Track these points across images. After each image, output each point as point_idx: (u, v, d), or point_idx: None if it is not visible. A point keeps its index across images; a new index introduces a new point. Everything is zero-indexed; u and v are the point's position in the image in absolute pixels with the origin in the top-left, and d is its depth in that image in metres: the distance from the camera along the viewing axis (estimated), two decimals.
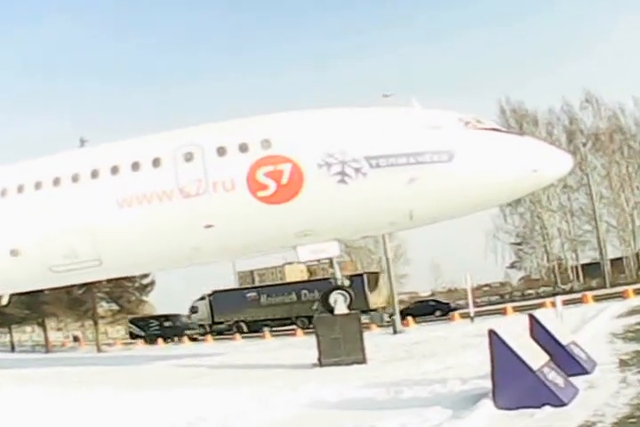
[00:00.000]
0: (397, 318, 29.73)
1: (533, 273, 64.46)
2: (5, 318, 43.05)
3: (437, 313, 44.61)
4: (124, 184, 16.69)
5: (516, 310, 32.17)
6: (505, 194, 17.21)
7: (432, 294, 67.39)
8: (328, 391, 9.85)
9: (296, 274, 52.50)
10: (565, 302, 23.52)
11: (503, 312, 32.27)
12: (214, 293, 50.53)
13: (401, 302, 41.74)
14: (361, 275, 43.69)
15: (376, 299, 43.15)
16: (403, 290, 59.18)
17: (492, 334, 7.32)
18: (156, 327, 48.73)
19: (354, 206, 16.02)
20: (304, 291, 45.08)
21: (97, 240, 16.74)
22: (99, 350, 41.46)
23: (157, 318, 50.86)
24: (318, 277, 46.71)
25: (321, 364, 15.74)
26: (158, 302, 55.10)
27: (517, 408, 7.03)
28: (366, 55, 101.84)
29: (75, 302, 41.75)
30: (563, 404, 7.06)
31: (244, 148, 16.21)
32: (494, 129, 16.98)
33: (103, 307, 45.71)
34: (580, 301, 31.41)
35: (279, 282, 50.71)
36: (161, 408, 9.73)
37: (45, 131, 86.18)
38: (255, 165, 16.01)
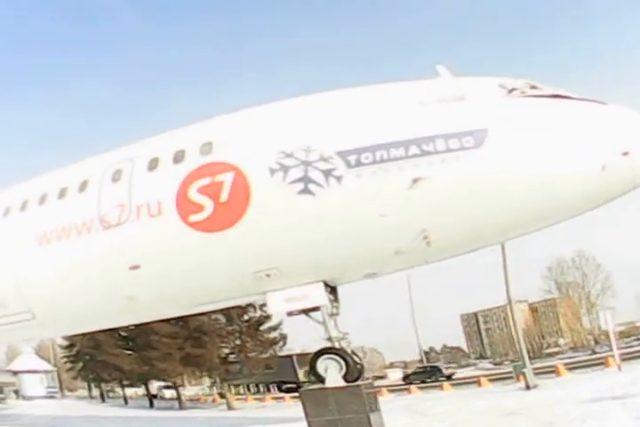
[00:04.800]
0: (529, 369, 22.88)
1: None
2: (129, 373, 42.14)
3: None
4: (45, 216, 12.90)
5: None
6: (578, 197, 10.37)
7: None
8: None
9: (518, 315, 46.09)
10: None
11: None
12: None
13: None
14: None
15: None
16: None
17: None
18: None
19: (328, 229, 10.64)
20: None
21: (20, 287, 13.03)
22: (229, 407, 38.83)
23: None
24: None
25: None
26: None
27: None
28: None
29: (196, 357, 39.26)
30: None
31: (179, 157, 11.60)
32: (557, 96, 10.45)
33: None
34: None
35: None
36: None
37: None
38: (188, 179, 11.25)
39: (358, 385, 11.24)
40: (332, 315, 11.83)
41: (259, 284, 11.50)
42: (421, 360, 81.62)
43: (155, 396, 51.51)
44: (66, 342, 50.00)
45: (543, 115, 10.19)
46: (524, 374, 22.72)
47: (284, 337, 40.71)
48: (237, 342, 40.35)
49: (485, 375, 35.19)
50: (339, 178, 10.23)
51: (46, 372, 56.34)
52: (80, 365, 49.41)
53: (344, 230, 10.59)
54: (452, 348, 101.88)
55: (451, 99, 10.37)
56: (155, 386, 53.81)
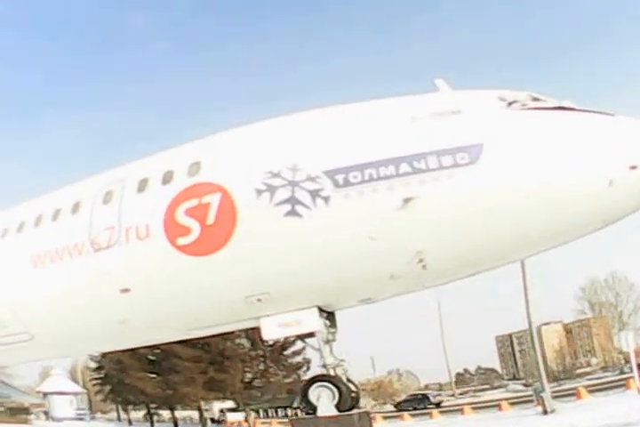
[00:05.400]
0: (547, 393, 22.34)
1: None
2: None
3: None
4: (40, 238, 12.79)
5: None
6: (584, 215, 9.72)
7: None
8: None
9: (552, 336, 45.03)
10: None
11: None
12: None
13: None
14: None
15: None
16: None
17: None
18: None
19: (317, 252, 10.25)
20: None
21: (18, 308, 12.93)
22: None
23: None
24: None
25: None
26: None
27: None
28: None
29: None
30: None
31: (167, 177, 11.37)
32: (560, 108, 9.90)
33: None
34: None
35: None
36: None
37: None
38: (175, 201, 10.99)
39: (351, 415, 10.69)
40: (327, 341, 11.33)
41: (251, 309, 11.13)
42: (456, 382, 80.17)
43: (217, 421, 50.97)
44: (95, 365, 50.22)
45: (545, 128, 9.67)
46: (542, 398, 21.81)
47: (307, 362, 40.06)
48: (261, 366, 39.88)
49: (508, 399, 34.11)
50: (326, 199, 9.83)
51: (76, 394, 56.55)
52: (108, 387, 49.44)
53: (334, 254, 10.18)
54: (487, 369, 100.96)
55: (445, 113, 9.89)
56: (215, 409, 53.31)
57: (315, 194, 9.87)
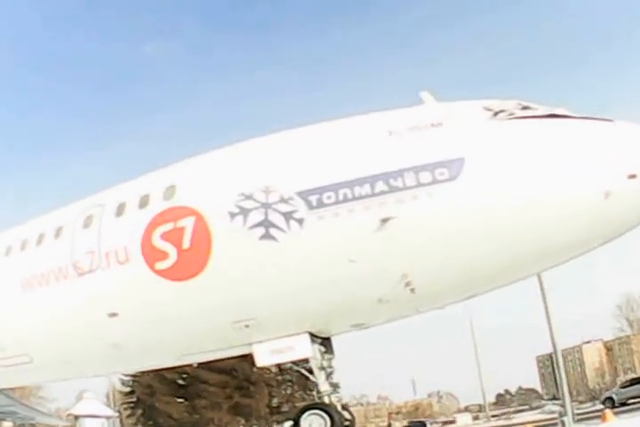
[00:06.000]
0: (569, 417, 21.31)
1: None
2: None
3: None
4: (26, 261, 12.81)
5: None
6: (580, 231, 9.04)
7: None
8: None
9: (593, 354, 43.51)
10: None
11: None
12: None
13: None
14: None
15: None
16: None
17: None
18: None
19: (296, 277, 9.89)
20: None
21: (16, 330, 12.90)
22: None
23: None
24: None
25: None
26: None
27: None
28: None
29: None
30: None
31: (144, 201, 11.19)
32: (552, 116, 9.25)
33: None
34: None
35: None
36: None
37: None
38: (151, 225, 10.78)
39: None
40: (322, 368, 11.01)
41: (242, 335, 10.82)
42: (496, 403, 78.03)
43: None
44: (127, 389, 50.26)
45: (533, 137, 9.12)
46: (562, 422, 20.95)
47: (335, 386, 39.10)
48: (288, 391, 39.23)
49: (536, 421, 32.90)
50: (300, 221, 9.44)
51: (107, 417, 56.48)
52: (139, 411, 49.30)
53: (314, 278, 9.82)
54: (527, 389, 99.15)
55: (425, 126, 9.41)
56: None
57: (288, 216, 9.49)
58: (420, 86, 10.26)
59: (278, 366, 37.78)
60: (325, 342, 11.15)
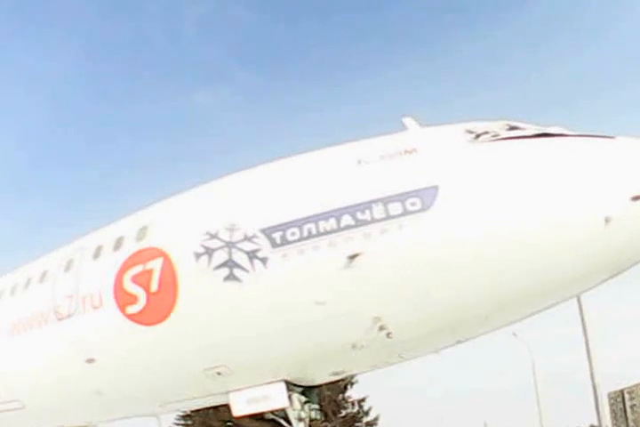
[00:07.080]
0: None
1: None
2: None
3: None
4: (14, 306, 12.77)
5: None
6: (578, 265, 8.08)
7: None
8: None
9: None
10: None
11: None
12: None
13: None
14: None
15: None
16: None
17: None
18: None
19: (262, 321, 9.27)
20: None
21: (5, 376, 12.77)
22: None
23: None
24: None
25: None
26: None
27: None
28: None
29: None
30: None
31: (118, 243, 10.92)
32: (544, 135, 8.39)
33: None
34: None
35: None
36: None
37: None
38: (123, 267, 10.46)
39: None
40: (299, 419, 10.33)
41: (216, 383, 10.27)
42: None
43: None
44: None
45: (518, 159, 8.25)
46: None
47: None
48: None
49: None
50: (264, 260, 8.86)
51: None
52: None
53: (280, 323, 9.18)
54: None
55: (396, 153, 8.66)
56: None
57: (252, 255, 8.91)
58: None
59: (323, 413, 36.69)
60: (307, 392, 10.47)
